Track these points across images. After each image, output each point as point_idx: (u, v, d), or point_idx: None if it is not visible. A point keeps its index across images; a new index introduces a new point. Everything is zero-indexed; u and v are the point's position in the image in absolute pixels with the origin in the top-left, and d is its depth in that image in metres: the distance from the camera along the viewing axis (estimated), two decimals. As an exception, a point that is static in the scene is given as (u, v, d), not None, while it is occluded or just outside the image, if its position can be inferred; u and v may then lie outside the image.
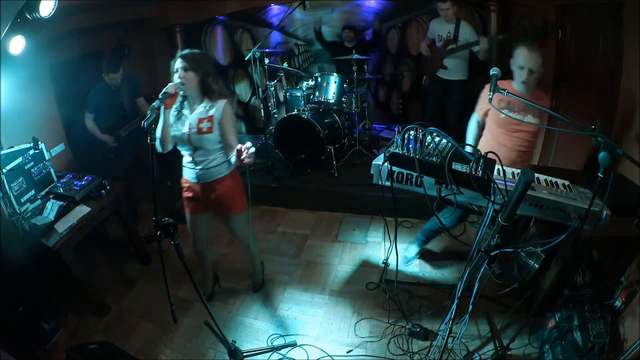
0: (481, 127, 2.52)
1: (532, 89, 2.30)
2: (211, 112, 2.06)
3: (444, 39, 3.71)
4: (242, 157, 1.75)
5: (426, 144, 1.77)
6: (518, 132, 2.33)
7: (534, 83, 2.27)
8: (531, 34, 3.55)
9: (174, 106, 2.08)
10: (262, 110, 4.33)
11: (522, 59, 2.21)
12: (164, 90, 1.89)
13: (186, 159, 2.18)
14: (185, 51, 2.02)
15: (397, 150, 1.77)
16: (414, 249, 2.94)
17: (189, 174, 2.21)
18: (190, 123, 2.06)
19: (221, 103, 2.06)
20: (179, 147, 2.17)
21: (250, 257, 2.70)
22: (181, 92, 2.02)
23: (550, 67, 3.46)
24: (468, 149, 2.14)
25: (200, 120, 2.05)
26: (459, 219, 2.64)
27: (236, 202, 2.29)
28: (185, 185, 2.27)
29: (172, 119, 2.08)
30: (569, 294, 2.14)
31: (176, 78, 1.99)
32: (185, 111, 2.11)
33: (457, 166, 1.70)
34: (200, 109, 2.08)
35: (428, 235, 2.84)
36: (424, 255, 3.01)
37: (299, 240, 3.34)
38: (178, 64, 1.99)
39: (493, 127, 2.43)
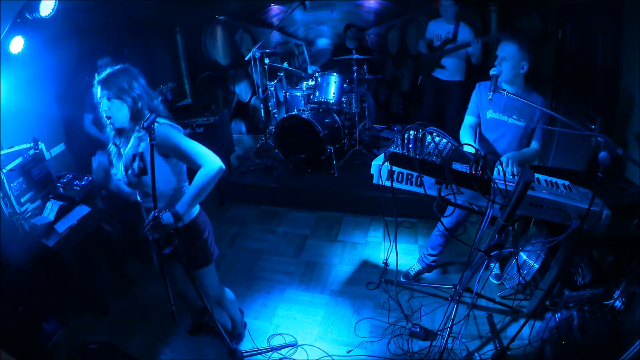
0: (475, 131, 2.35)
1: (515, 83, 2.12)
2: (141, 147, 1.60)
3: (443, 39, 3.71)
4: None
5: (426, 143, 1.78)
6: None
7: (514, 77, 2.09)
8: (531, 34, 3.56)
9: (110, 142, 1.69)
10: (262, 110, 4.33)
11: (498, 50, 2.09)
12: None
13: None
14: (103, 75, 1.56)
15: (397, 150, 1.77)
16: (417, 266, 2.77)
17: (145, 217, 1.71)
18: (126, 163, 1.63)
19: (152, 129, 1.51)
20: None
21: (230, 316, 2.23)
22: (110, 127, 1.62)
23: (550, 67, 3.48)
24: (468, 148, 2.13)
25: (134, 158, 1.58)
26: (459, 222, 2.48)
27: (196, 258, 1.83)
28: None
29: (113, 158, 1.68)
30: (568, 294, 2.14)
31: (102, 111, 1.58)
32: (122, 148, 1.66)
33: (457, 166, 1.70)
34: (132, 142, 1.63)
35: (435, 247, 2.64)
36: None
37: (299, 240, 3.34)
38: (99, 92, 1.56)
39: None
